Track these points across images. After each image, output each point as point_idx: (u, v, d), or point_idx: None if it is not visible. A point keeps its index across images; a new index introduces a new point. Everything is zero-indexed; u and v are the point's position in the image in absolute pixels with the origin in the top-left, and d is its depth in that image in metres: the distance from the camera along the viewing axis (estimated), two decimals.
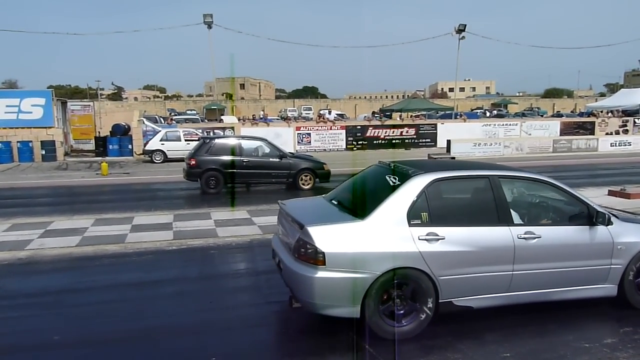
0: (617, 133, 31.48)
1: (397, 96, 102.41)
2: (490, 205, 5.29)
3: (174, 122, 32.52)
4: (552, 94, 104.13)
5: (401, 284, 4.91)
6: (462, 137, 26.64)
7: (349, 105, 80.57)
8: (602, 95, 79.04)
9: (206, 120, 43.12)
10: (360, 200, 5.43)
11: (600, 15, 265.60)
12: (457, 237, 5.01)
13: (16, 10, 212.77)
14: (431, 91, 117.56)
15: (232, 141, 14.99)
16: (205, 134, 24.52)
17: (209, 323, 5.51)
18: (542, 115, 52.84)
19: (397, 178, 5.34)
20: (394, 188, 5.16)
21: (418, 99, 40.16)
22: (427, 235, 4.92)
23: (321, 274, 4.70)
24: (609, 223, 5.50)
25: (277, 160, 14.65)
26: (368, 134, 28.45)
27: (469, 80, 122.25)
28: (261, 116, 37.08)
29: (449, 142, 25.04)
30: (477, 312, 5.53)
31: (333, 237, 4.80)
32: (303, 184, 14.77)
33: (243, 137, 15.95)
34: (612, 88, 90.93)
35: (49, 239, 8.99)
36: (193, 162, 14.22)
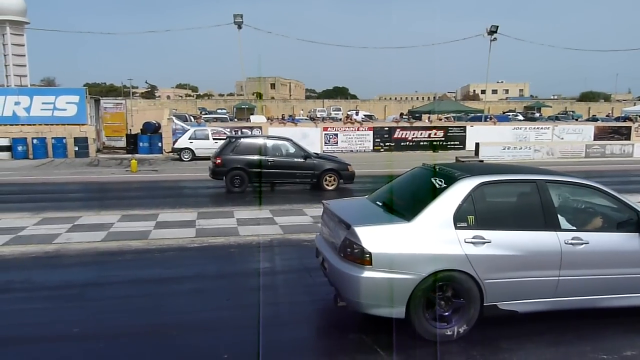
0: None
1: (428, 97, 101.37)
2: (537, 209, 5.28)
3: (203, 120, 32.94)
4: (588, 97, 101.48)
5: (446, 286, 4.95)
6: (491, 140, 26.24)
7: (378, 106, 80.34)
8: None
9: (236, 120, 43.62)
10: (407, 202, 5.54)
11: (638, 16, 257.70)
12: (503, 241, 5.01)
13: (52, 9, 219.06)
14: (463, 93, 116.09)
15: (257, 141, 15.16)
16: (233, 132, 24.82)
17: (224, 320, 5.60)
18: (576, 119, 51.62)
19: (443, 181, 5.37)
20: (440, 191, 5.20)
21: (447, 101, 39.72)
22: (473, 238, 4.94)
23: (367, 273, 4.76)
24: None
25: (302, 160, 14.71)
26: (395, 136, 28.29)
27: (501, 82, 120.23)
28: (290, 115, 37.31)
29: (477, 145, 24.71)
30: (493, 319, 5.47)
31: (379, 237, 4.86)
32: (327, 185, 14.79)
33: (268, 137, 16.10)
34: None
35: (76, 234, 9.23)
36: (219, 161, 14.37)
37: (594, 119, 50.00)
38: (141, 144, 26.68)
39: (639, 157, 25.75)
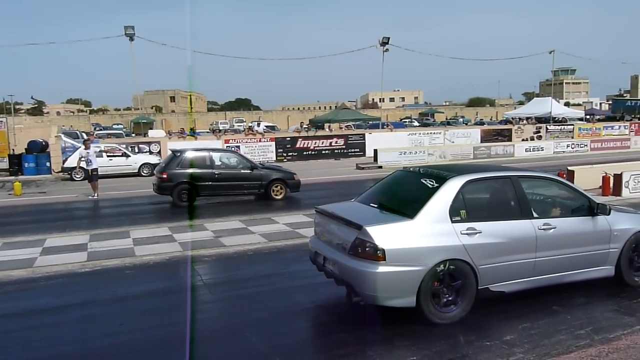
0: (532, 139, 33.42)
1: (330, 107, 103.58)
2: (514, 201, 6.05)
3: (96, 137, 31.25)
4: (476, 103, 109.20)
5: (448, 274, 5.50)
6: (389, 146, 27.31)
7: (281, 116, 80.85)
8: (521, 103, 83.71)
9: (133, 135, 41.86)
10: (404, 202, 6.03)
11: (517, 29, 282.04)
12: (491, 231, 5.68)
13: None
14: (362, 102, 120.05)
15: (203, 154, 15.01)
16: (129, 149, 23.81)
17: (116, 347, 5.33)
18: (465, 124, 55.28)
19: (434, 181, 5.91)
20: (434, 190, 5.74)
21: (347, 110, 40.85)
22: (467, 229, 5.55)
23: (382, 268, 5.21)
24: (609, 213, 6.36)
25: (249, 171, 14.75)
26: (298, 145, 28.60)
27: (398, 90, 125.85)
28: (191, 129, 36.31)
29: (375, 151, 25.63)
30: (387, 319, 5.72)
31: (390, 235, 5.32)
32: (275, 195, 14.90)
33: (214, 150, 16.11)
34: (530, 97, 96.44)
35: None
36: (165, 176, 14.08)
37: (480, 123, 53.84)
38: (26, 164, 24.66)
39: (519, 157, 28.10)
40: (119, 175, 21.85)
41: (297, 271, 7.86)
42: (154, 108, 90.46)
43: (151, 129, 47.81)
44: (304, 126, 32.68)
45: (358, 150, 29.81)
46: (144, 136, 33.36)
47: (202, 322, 5.90)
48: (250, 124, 37.12)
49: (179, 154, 14.65)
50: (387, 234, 5.32)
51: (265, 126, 36.04)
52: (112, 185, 18.83)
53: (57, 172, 23.80)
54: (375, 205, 6.16)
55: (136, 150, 24.81)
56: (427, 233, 5.43)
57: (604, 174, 14.12)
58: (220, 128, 47.35)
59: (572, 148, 30.87)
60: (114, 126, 58.17)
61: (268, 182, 14.84)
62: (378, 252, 5.21)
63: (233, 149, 26.66)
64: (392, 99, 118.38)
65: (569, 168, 14.87)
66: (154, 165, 23.07)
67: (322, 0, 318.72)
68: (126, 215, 13.45)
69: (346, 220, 5.72)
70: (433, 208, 5.58)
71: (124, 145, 24.29)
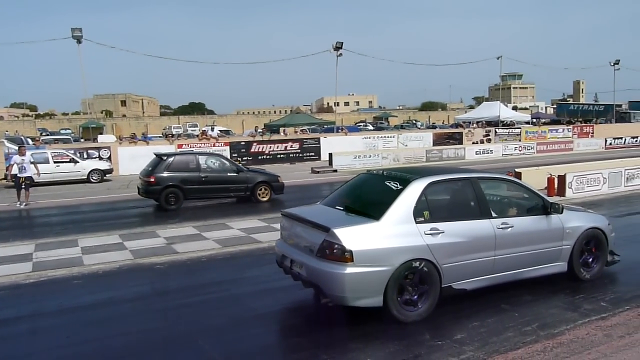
0: (482, 142, 34.42)
1: (285, 111, 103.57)
2: (474, 202, 6.26)
3: (42, 143, 30.09)
4: (428, 107, 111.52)
5: (414, 273, 5.65)
6: (344, 150, 27.51)
7: (236, 120, 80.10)
8: (472, 107, 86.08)
9: (82, 140, 40.56)
10: (369, 204, 6.14)
11: (467, 35, 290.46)
12: (453, 230, 5.86)
13: None
14: (317, 106, 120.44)
15: (190, 157, 15.20)
16: (78, 155, 23.04)
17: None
18: (418, 127, 56.36)
19: (397, 183, 6.05)
20: (398, 192, 5.89)
21: (301, 114, 40.97)
22: (430, 230, 5.72)
23: (350, 269, 5.30)
24: (562, 212, 6.64)
25: (235, 174, 14.98)
26: (253, 150, 28.43)
27: (352, 94, 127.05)
28: (142, 133, 35.50)
29: (330, 155, 25.78)
30: (341, 322, 5.76)
31: (357, 236, 5.43)
32: (261, 197, 15.14)
33: (200, 154, 16.26)
34: (479, 101, 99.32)
35: None
36: (153, 180, 14.03)
37: (433, 127, 55.02)
38: None
39: (470, 159, 28.90)
40: (67, 182, 21.10)
41: (251, 277, 7.81)
42: (104, 112, 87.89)
43: (101, 133, 46.44)
44: (259, 130, 32.45)
45: (313, 154, 29.91)
46: (94, 141, 32.34)
47: (154, 332, 5.78)
48: (203, 128, 36.55)
49: (165, 158, 14.70)
50: (354, 236, 5.42)
51: (220, 130, 35.69)
52: (59, 193, 18.17)
53: (0, 180, 22.76)
54: (341, 208, 6.26)
55: (85, 156, 24.01)
56: (392, 234, 5.56)
57: (549, 175, 14.70)
58: (174, 132, 46.45)
59: (520, 150, 32.01)
60: (62, 131, 56.05)
61: (254, 184, 15.09)
62: (346, 253, 5.31)
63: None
64: (347, 103, 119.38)
65: (517, 170, 15.39)
66: (104, 172, 22.49)
67: (276, 5, 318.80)
68: (74, 223, 13.01)
69: (313, 223, 5.79)
70: (398, 209, 5.72)
71: (72, 151, 23.47)
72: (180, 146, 26.76)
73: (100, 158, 24.58)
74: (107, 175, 22.63)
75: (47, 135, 46.27)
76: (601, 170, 15.63)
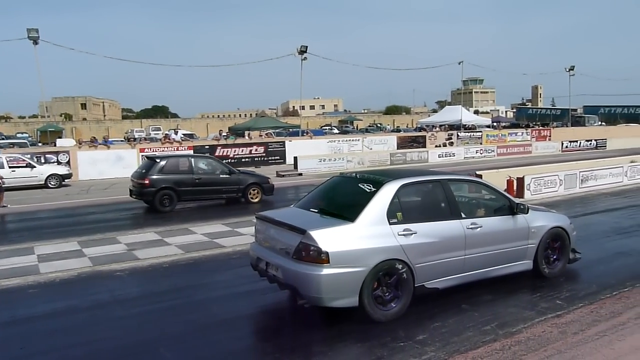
0: (445, 145, 35.01)
1: (250, 114, 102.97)
2: (444, 203, 6.43)
3: None
4: (393, 110, 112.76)
5: (388, 274, 5.75)
6: (309, 154, 27.54)
7: (200, 124, 79.12)
8: (435, 111, 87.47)
9: (39, 144, 39.30)
10: (343, 206, 6.25)
11: (430, 40, 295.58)
12: (425, 231, 6.01)
13: None
14: (283, 109, 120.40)
15: (182, 159, 15.51)
16: (35, 159, 22.33)
17: None
18: (383, 131, 56.96)
19: (371, 185, 6.16)
20: (371, 194, 6.00)
21: (267, 118, 40.83)
22: (404, 231, 5.84)
23: (326, 271, 5.38)
24: (528, 212, 6.89)
25: (228, 176, 15.26)
26: (217, 153, 28.00)
27: (318, 98, 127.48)
28: (104, 137, 34.53)
29: (295, 158, 25.77)
30: (305, 326, 5.76)
31: (333, 238, 5.51)
32: (252, 198, 15.42)
33: (193, 156, 17.01)
34: (442, 105, 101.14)
35: None
36: (147, 182, 14.16)
37: (397, 130, 55.71)
38: None
39: (433, 162, 29.37)
40: (24, 188, 20.38)
41: (214, 282, 7.74)
42: (63, 116, 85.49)
43: (60, 137, 45.10)
44: (223, 134, 32.15)
45: (278, 157, 29.81)
46: (52, 145, 31.37)
47: (113, 341, 5.64)
48: (166, 132, 35.95)
49: (158, 160, 14.85)
50: (330, 237, 5.51)
51: (183, 134, 35.03)
52: (15, 199, 17.52)
53: None
54: (316, 210, 6.33)
55: (42, 161, 23.28)
56: (367, 235, 5.67)
57: (509, 178, 15.08)
58: (136, 136, 45.49)
59: (481, 153, 32.75)
60: (18, 135, 54.21)
61: (245, 186, 15.40)
62: (322, 255, 5.38)
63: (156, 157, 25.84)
64: (312, 107, 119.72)
65: (477, 172, 15.70)
66: (63, 177, 21.85)
67: (241, 8, 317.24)
68: (30, 230, 12.60)
69: (289, 225, 5.86)
70: (372, 211, 5.83)
71: (29, 155, 22.72)
72: (142, 150, 26.25)
73: (59, 163, 23.83)
74: (65, 180, 21.99)
75: (3, 139, 44.62)
76: (558, 172, 16.14)
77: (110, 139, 34.42)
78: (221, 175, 15.25)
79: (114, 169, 24.57)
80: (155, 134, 54.25)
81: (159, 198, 14.24)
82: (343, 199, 6.62)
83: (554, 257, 7.35)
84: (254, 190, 15.55)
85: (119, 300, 7.01)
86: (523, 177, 14.94)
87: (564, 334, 5.40)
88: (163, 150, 26.32)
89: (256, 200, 15.45)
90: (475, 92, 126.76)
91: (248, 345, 5.48)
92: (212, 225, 12.00)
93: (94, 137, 28.46)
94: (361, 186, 6.27)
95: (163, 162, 14.71)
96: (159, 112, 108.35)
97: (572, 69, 52.70)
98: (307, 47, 34.16)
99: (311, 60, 35.62)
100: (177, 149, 26.45)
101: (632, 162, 18.94)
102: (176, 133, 29.21)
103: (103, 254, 9.41)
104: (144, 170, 14.83)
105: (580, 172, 16.47)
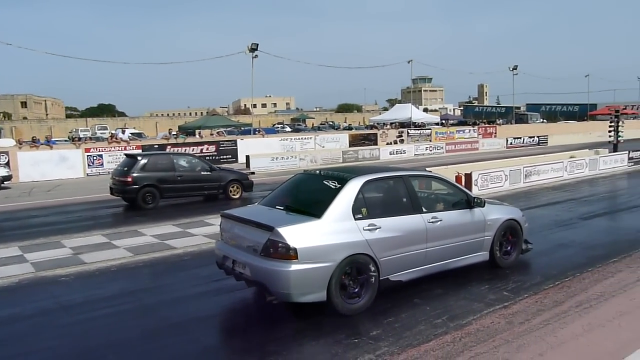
0: (395, 143, 35.62)
1: (201, 113, 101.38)
2: (406, 198, 6.62)
3: None
4: (344, 108, 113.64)
5: (354, 268, 5.87)
6: (261, 152, 27.37)
7: (149, 123, 77.24)
8: (385, 109, 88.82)
9: None
10: (311, 203, 6.32)
11: (380, 38, 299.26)
12: (389, 225, 6.16)
13: None
14: (234, 107, 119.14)
15: (164, 157, 15.93)
16: None
17: None
18: (335, 129, 57.31)
19: (336, 182, 6.27)
20: (337, 190, 6.10)
21: (218, 116, 40.27)
22: (368, 226, 5.98)
23: (295, 267, 5.45)
24: (484, 205, 7.17)
25: (209, 173, 15.45)
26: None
27: (270, 96, 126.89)
28: (46, 137, 33.03)
29: (247, 157, 25.57)
30: (259, 326, 5.72)
31: (300, 234, 5.58)
32: (233, 194, 15.66)
33: (174, 154, 17.46)
34: (393, 103, 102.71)
35: None
36: (130, 179, 14.24)
37: (349, 128, 56.17)
38: None
39: (384, 159, 29.85)
40: None
41: (165, 285, 7.56)
42: (1, 115, 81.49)
43: None
44: (173, 133, 31.47)
45: (230, 156, 29.48)
46: None
47: (58, 348, 5.43)
48: (113, 131, 34.85)
49: (140, 158, 14.96)
50: (298, 234, 5.58)
51: (131, 133, 34.09)
52: None
53: None
54: (282, 208, 6.41)
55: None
56: (333, 231, 5.77)
57: (457, 174, 15.45)
58: (81, 136, 43.89)
59: (431, 150, 33.51)
60: None
61: (226, 182, 15.61)
62: (290, 251, 5.46)
63: (95, 158, 25.09)
64: (264, 105, 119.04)
65: (427, 169, 16.02)
66: (3, 178, 20.80)
67: (190, 5, 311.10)
68: None
69: (256, 222, 5.91)
70: (337, 207, 5.94)
71: None
72: (87, 150, 25.40)
73: None
74: (5, 182, 20.96)
75: None
76: (503, 168, 16.72)
77: (53, 139, 33.02)
78: (202, 172, 15.40)
79: (58, 170, 23.68)
80: (101, 133, 52.51)
81: (142, 195, 14.32)
82: (308, 195, 6.71)
83: (508, 247, 7.69)
84: (234, 186, 15.77)
85: (64, 307, 6.73)
86: (471, 173, 15.37)
87: (511, 324, 5.59)
88: (110, 150, 25.54)
89: (237, 196, 15.70)
90: (424, 90, 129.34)
91: (201, 348, 5.37)
92: (163, 226, 11.72)
93: (36, 137, 27.22)
94: (326, 183, 6.37)
95: (145, 160, 14.78)
96: (105, 110, 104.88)
97: (516, 69, 54.79)
98: (258, 44, 33.97)
99: (263, 58, 35.57)
100: (125, 149, 25.72)
101: (571, 157, 19.87)
102: (123, 132, 28.49)
103: (46, 259, 9.02)
104: (125, 168, 14.78)
105: (524, 167, 17.12)
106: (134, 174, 14.37)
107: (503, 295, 6.54)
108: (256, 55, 34.10)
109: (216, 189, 15.54)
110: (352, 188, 6.13)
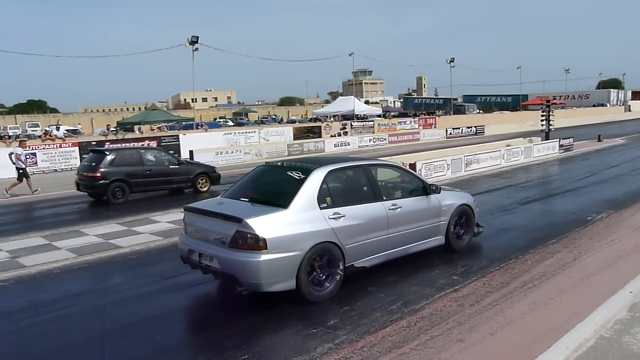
0: (339, 135, 35.89)
1: (139, 108, 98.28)
2: (367, 187, 6.83)
3: None
4: (287, 102, 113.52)
5: (321, 256, 6.03)
6: (204, 147, 26.86)
7: (84, 119, 74.36)
8: (328, 102, 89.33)
9: None
10: (277, 194, 6.38)
11: (321, 31, 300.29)
12: (352, 214, 6.35)
13: None
14: (174, 102, 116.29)
15: (132, 151, 15.85)
16: None
17: None
18: (278, 122, 57.11)
19: (300, 173, 6.36)
20: (301, 181, 6.19)
21: (158, 111, 39.19)
22: (333, 214, 6.15)
23: (265, 257, 5.55)
24: (440, 192, 7.48)
25: (177, 166, 15.57)
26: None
27: (210, 90, 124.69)
28: None
29: (191, 152, 25.05)
30: (216, 322, 5.65)
31: (269, 225, 5.66)
32: (201, 187, 15.80)
33: (142, 148, 17.60)
34: (335, 96, 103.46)
35: None
36: (99, 175, 14.11)
37: (292, 122, 56.14)
38: None
39: (329, 152, 30.05)
40: None
41: (113, 285, 7.31)
42: None
43: None
44: (111, 129, 30.31)
45: (172, 152, 28.55)
46: None
47: (2, 358, 5.14)
48: (46, 128, 33.13)
49: (108, 153, 14.82)
50: (266, 224, 5.66)
51: (66, 130, 32.49)
52: None
53: None
54: (246, 199, 6.44)
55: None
56: (300, 220, 5.89)
57: (402, 164, 15.79)
58: (10, 134, 41.47)
59: (374, 142, 34.01)
60: None
61: (194, 175, 15.74)
62: (260, 241, 5.54)
63: (27, 156, 23.76)
64: (204, 99, 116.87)
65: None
66: None
67: None
68: None
69: (223, 215, 5.96)
70: (303, 197, 6.06)
71: None
72: (23, 147, 23.99)
73: None
74: None
75: None
76: (445, 157, 17.25)
77: None
78: (170, 166, 15.45)
79: None
80: (32, 130, 49.95)
81: (112, 190, 14.23)
82: (273, 187, 6.80)
83: (462, 231, 8.06)
84: (202, 179, 15.92)
85: (6, 313, 6.38)
86: (415, 163, 15.73)
87: (462, 306, 5.80)
88: (44, 148, 24.31)
89: (205, 189, 15.76)
90: (365, 83, 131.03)
91: (158, 347, 5.24)
92: (106, 225, 11.29)
93: None
94: (290, 174, 6.46)
95: (112, 155, 14.64)
96: (35, 107, 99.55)
97: (453, 61, 56.41)
98: (198, 37, 33.25)
99: (203, 51, 34.80)
100: (60, 146, 24.57)
101: (507, 146, 20.76)
102: (58, 129, 26.91)
103: None
104: (93, 164, 14.59)
105: (464, 156, 17.73)
106: (103, 169, 14.21)
107: (452, 279, 6.77)
108: (197, 48, 33.37)
109: (185, 182, 15.60)
110: (316, 178, 6.26)
